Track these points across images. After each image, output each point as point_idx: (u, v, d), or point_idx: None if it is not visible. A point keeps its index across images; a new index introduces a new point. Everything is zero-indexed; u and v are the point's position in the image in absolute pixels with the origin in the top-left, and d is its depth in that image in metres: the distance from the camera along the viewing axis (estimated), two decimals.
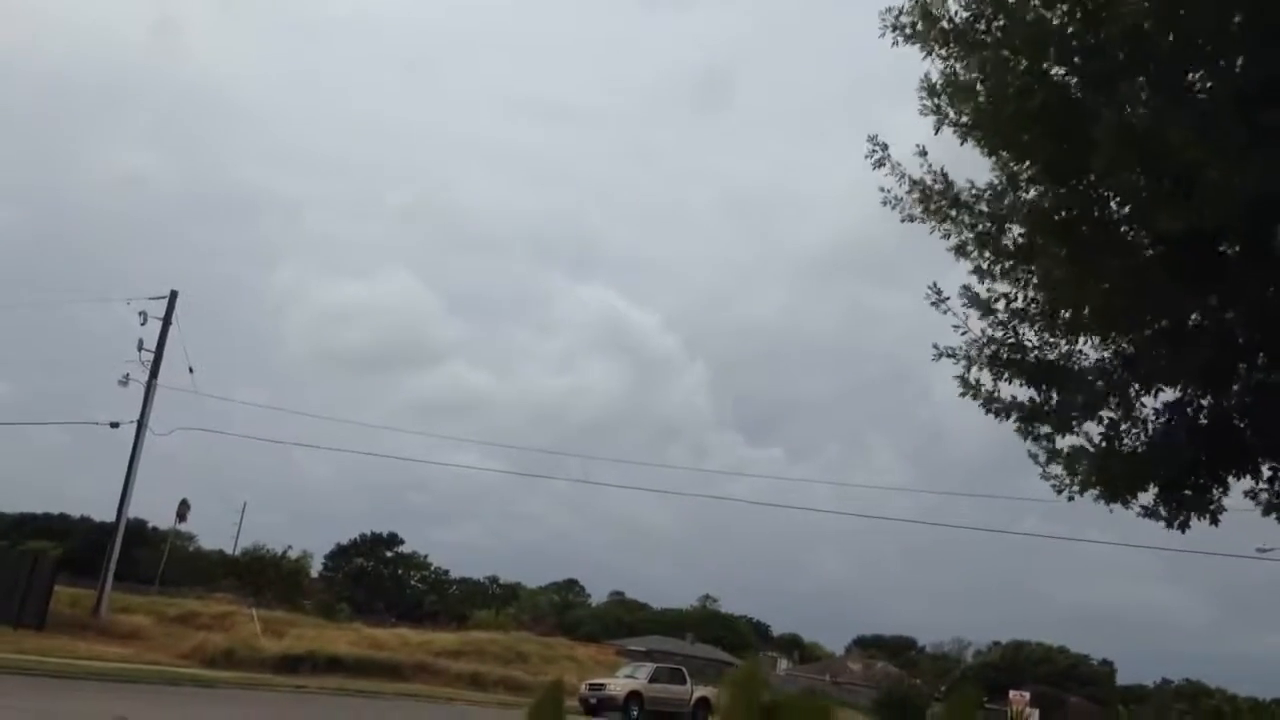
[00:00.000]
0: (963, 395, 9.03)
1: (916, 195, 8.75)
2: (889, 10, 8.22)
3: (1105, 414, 8.66)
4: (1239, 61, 6.77)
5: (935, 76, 8.24)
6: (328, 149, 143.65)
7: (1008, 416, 8.94)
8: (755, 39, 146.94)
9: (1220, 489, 8.62)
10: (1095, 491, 8.83)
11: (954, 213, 8.61)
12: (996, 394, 8.96)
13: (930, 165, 8.71)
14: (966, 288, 8.90)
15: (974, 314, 8.91)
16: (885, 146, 8.79)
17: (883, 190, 8.90)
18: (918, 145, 8.70)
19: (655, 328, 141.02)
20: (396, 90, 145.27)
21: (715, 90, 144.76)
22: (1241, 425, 8.41)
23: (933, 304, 9.03)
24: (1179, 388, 8.49)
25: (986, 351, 8.87)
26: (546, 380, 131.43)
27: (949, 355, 9.04)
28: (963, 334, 8.98)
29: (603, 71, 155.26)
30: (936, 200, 8.66)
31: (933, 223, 8.78)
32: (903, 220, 8.83)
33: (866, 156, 8.84)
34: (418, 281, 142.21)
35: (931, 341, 9.19)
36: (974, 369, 8.96)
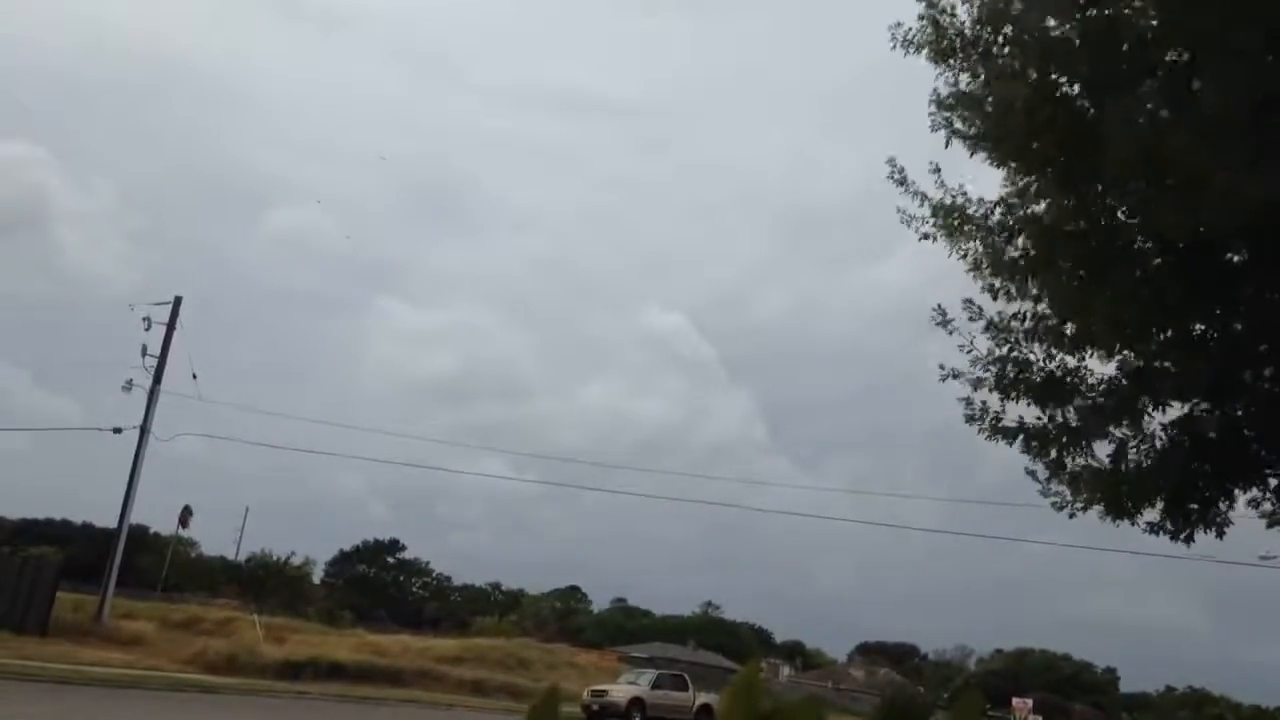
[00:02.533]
0: (969, 422, 9.06)
1: (930, 213, 8.81)
2: (898, 24, 8.27)
3: (1115, 431, 8.66)
4: (1245, 70, 6.77)
5: (944, 90, 8.29)
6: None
7: (1014, 439, 8.96)
8: None
9: (1226, 501, 8.61)
10: (1099, 508, 8.83)
11: (965, 228, 8.66)
12: (1002, 415, 8.98)
13: (944, 183, 8.76)
14: (969, 301, 8.92)
15: (980, 335, 8.96)
16: (902, 169, 8.87)
17: (899, 210, 8.99)
18: (931, 163, 8.77)
19: (669, 332, 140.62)
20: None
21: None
22: (1249, 436, 8.40)
23: (938, 324, 9.07)
24: (1187, 401, 8.49)
25: (993, 370, 8.89)
26: (550, 385, 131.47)
27: (955, 376, 9.07)
28: (969, 353, 9.01)
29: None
30: (950, 217, 8.72)
31: (947, 239, 8.84)
32: (920, 239, 8.91)
33: (887, 178, 8.92)
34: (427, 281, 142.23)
35: (939, 362, 9.22)
36: (980, 390, 9.00)
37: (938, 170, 8.76)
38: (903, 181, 8.88)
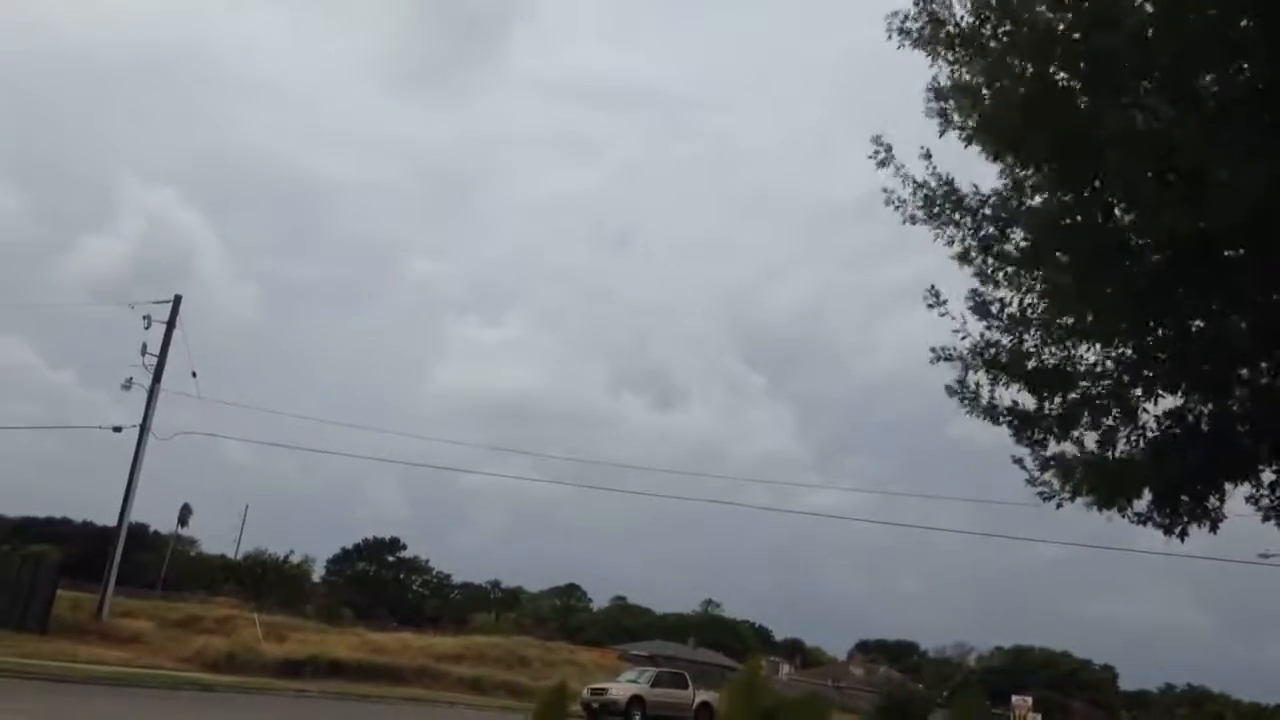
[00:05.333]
0: (959, 402, 9.01)
1: (919, 198, 8.71)
2: (895, 14, 8.22)
3: (1105, 420, 8.64)
4: (1246, 64, 6.76)
5: (943, 80, 8.23)
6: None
7: (1003, 422, 8.91)
8: None
9: (1218, 495, 8.60)
10: (1087, 499, 8.79)
11: (957, 217, 8.59)
12: (993, 399, 8.93)
13: (935, 168, 8.67)
14: (975, 291, 8.86)
15: (974, 318, 8.87)
16: (889, 147, 8.75)
17: (885, 191, 8.85)
18: (922, 147, 8.65)
19: (672, 327, 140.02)
20: None
21: None
22: (1242, 430, 8.40)
23: (930, 306, 8.99)
24: (1180, 394, 8.47)
25: (985, 355, 8.84)
26: (540, 379, 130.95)
27: (947, 358, 9.01)
28: (962, 338, 8.95)
29: None
30: (940, 203, 8.64)
31: (935, 227, 8.75)
32: (904, 222, 8.77)
33: (870, 157, 8.78)
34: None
35: (930, 345, 9.16)
36: (971, 373, 8.93)
37: (929, 155, 8.68)
38: (884, 163, 8.75)
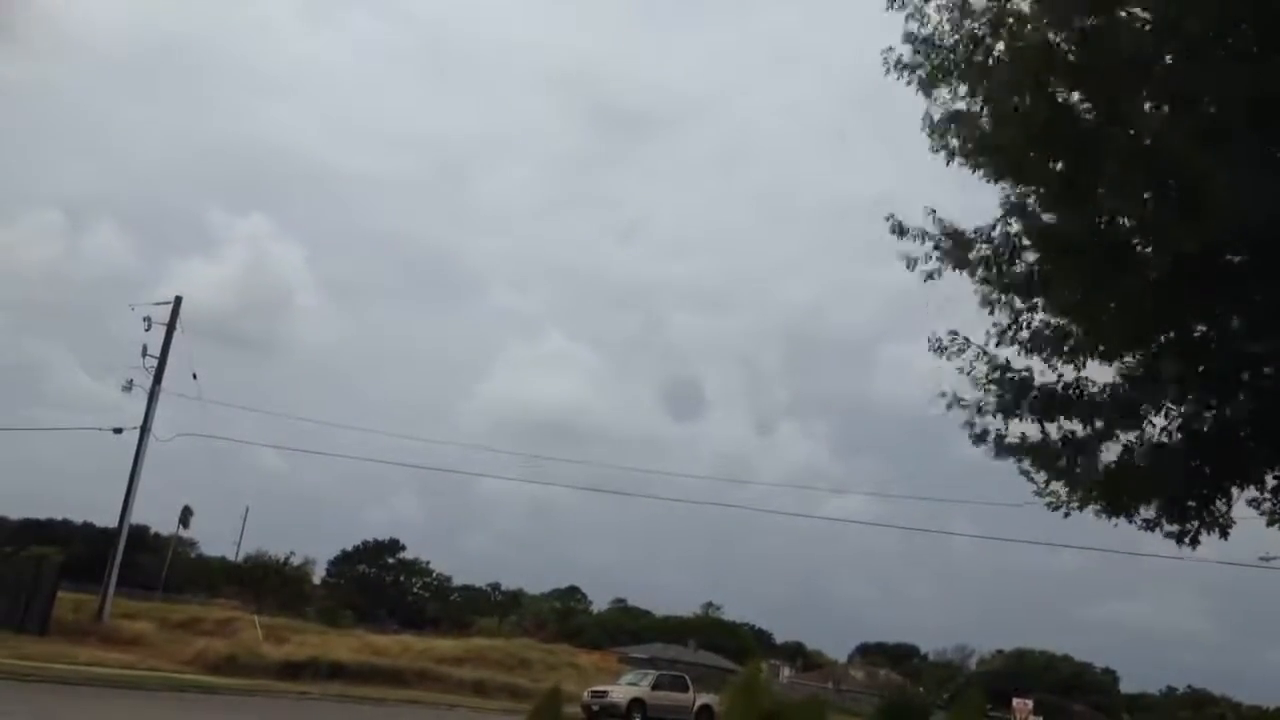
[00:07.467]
0: (975, 445, 9.10)
1: (931, 250, 8.84)
2: (890, 49, 8.24)
3: (1119, 436, 8.69)
4: (1243, 73, 6.76)
5: (936, 113, 8.27)
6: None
7: (1018, 456, 8.97)
8: None
9: (1224, 500, 8.62)
10: (1095, 507, 8.84)
11: (967, 256, 8.67)
12: (1005, 433, 8.97)
13: (941, 220, 8.78)
14: (953, 332, 8.97)
15: (978, 360, 8.97)
16: (901, 222, 8.92)
17: (904, 256, 9.01)
18: (926, 207, 8.85)
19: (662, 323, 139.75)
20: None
21: None
22: (1245, 435, 8.40)
23: (934, 350, 9.07)
24: (1185, 400, 8.51)
25: (994, 391, 8.88)
26: (539, 385, 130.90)
27: (960, 404, 9.06)
28: (968, 374, 9.00)
29: None
30: (952, 253, 8.74)
31: (952, 270, 8.86)
32: (925, 280, 8.92)
33: (891, 232, 8.95)
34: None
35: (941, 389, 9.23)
36: (981, 415, 9.00)
37: (933, 212, 8.84)
38: (904, 232, 8.89)
